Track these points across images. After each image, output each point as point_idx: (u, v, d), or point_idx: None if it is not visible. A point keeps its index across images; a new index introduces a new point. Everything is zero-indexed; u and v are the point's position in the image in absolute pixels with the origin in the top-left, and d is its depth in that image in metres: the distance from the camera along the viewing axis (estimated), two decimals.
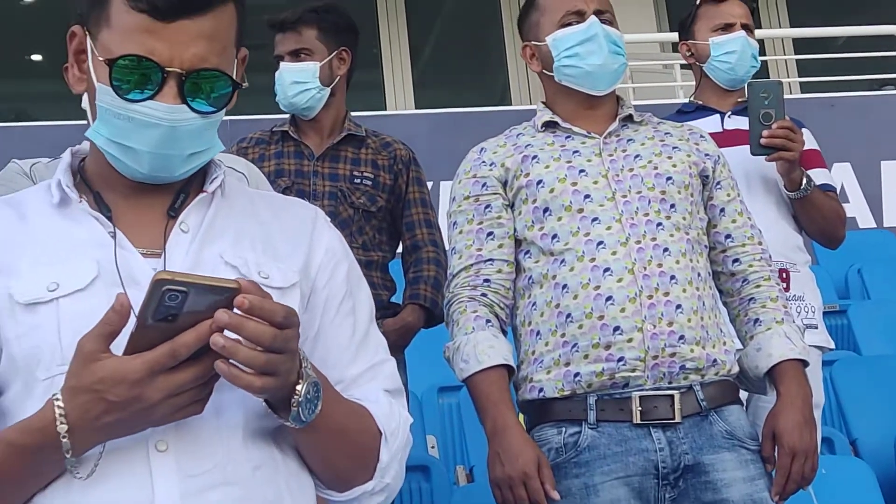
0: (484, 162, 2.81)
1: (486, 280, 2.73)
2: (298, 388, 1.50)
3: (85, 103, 1.72)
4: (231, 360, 1.43)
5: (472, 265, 2.75)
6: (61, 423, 1.44)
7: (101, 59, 1.61)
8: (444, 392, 4.61)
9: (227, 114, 1.67)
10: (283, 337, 1.45)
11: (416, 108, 9.10)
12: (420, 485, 3.67)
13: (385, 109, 8.83)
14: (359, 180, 3.77)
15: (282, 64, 3.80)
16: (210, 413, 1.52)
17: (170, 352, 1.40)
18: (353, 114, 3.94)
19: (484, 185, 2.78)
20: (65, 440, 1.44)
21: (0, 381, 1.59)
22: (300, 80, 3.76)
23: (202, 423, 1.53)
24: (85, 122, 1.71)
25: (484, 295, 2.72)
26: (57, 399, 1.45)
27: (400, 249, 3.95)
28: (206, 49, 1.59)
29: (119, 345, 1.44)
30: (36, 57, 11.04)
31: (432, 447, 4.39)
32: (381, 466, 1.66)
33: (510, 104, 9.93)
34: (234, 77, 1.66)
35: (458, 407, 4.55)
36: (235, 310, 1.41)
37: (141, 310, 1.38)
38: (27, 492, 1.52)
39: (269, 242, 1.70)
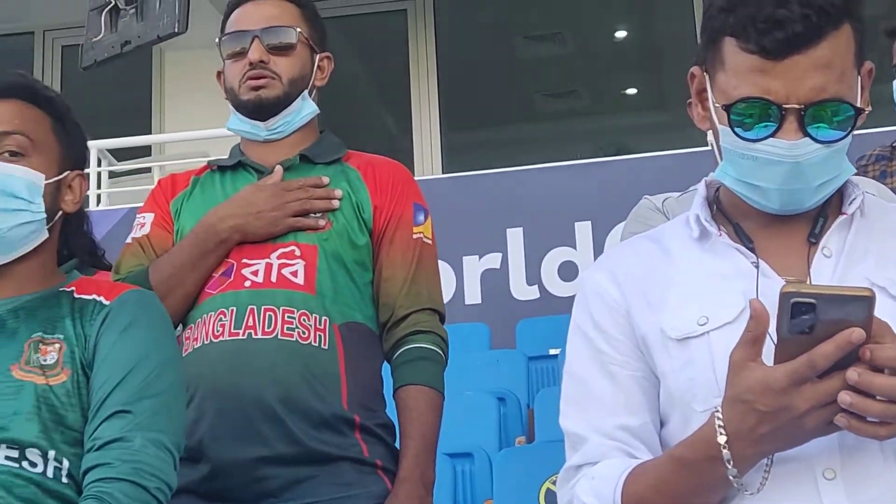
0: None
1: None
2: None
3: (710, 138, 1.75)
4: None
5: None
6: (720, 433, 1.46)
7: (717, 105, 1.63)
8: None
9: None
10: None
11: None
12: None
13: None
14: None
15: None
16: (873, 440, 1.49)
17: (808, 362, 1.38)
18: None
19: None
20: (725, 451, 1.46)
21: (661, 413, 1.66)
22: None
23: (868, 450, 1.51)
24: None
25: None
26: (717, 410, 1.47)
27: None
28: (822, 80, 1.57)
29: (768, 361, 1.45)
30: (630, 91, 11.40)
31: None
32: None
33: None
34: (859, 96, 1.63)
35: None
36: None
37: (777, 324, 1.40)
38: None
39: None
